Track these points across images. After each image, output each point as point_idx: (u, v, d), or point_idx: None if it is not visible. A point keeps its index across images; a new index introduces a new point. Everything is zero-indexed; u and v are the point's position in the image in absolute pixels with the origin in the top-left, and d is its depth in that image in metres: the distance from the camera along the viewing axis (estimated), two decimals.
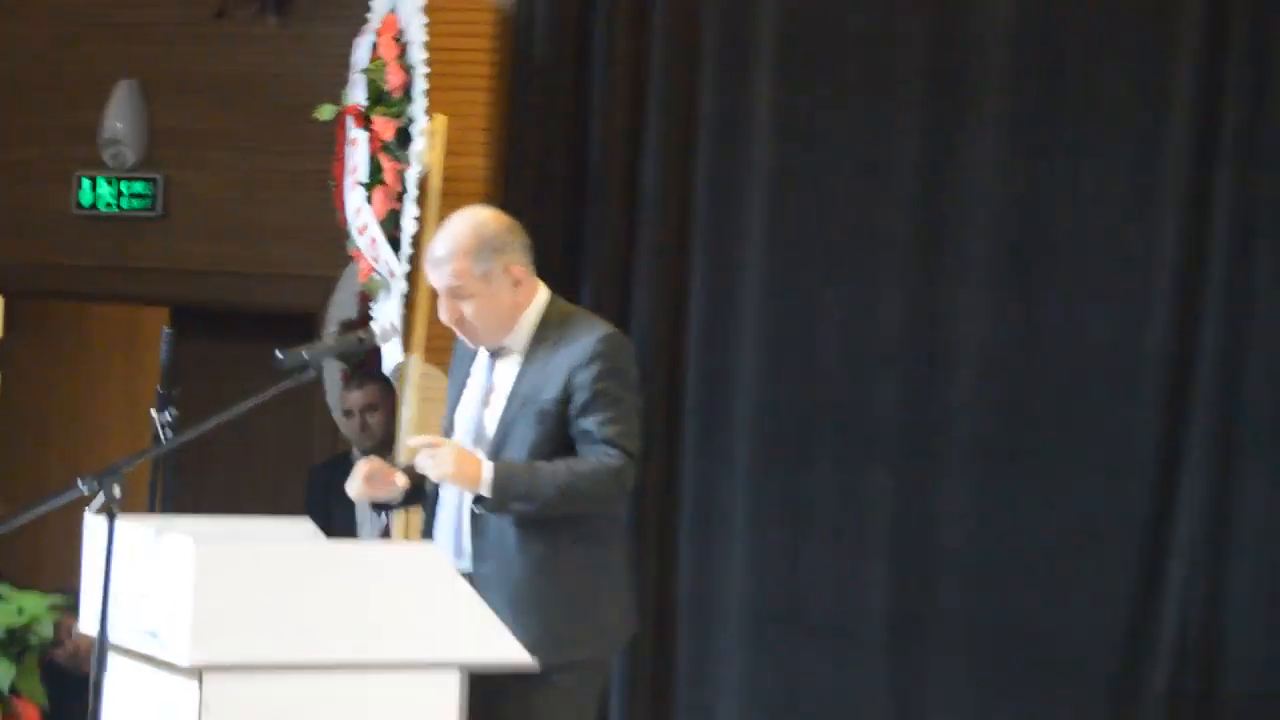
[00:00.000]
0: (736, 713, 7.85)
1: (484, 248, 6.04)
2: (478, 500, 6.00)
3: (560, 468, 5.89)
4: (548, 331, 6.09)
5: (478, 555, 6.03)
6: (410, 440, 6.13)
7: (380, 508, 7.63)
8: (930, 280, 7.73)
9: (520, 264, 6.07)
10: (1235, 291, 7.42)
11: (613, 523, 6.14)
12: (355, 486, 6.07)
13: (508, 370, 6.13)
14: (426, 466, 5.99)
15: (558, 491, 5.88)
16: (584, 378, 5.94)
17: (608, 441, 5.90)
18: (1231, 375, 7.43)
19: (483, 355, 6.21)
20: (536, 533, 6.00)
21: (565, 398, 5.96)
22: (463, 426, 6.18)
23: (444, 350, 7.68)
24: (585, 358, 5.97)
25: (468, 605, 5.74)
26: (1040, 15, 7.62)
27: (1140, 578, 7.52)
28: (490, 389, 6.16)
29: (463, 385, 6.26)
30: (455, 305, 6.06)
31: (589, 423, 5.92)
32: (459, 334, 6.15)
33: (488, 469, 5.92)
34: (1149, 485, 7.51)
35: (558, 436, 5.98)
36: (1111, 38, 7.57)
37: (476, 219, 6.17)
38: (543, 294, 6.17)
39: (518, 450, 5.99)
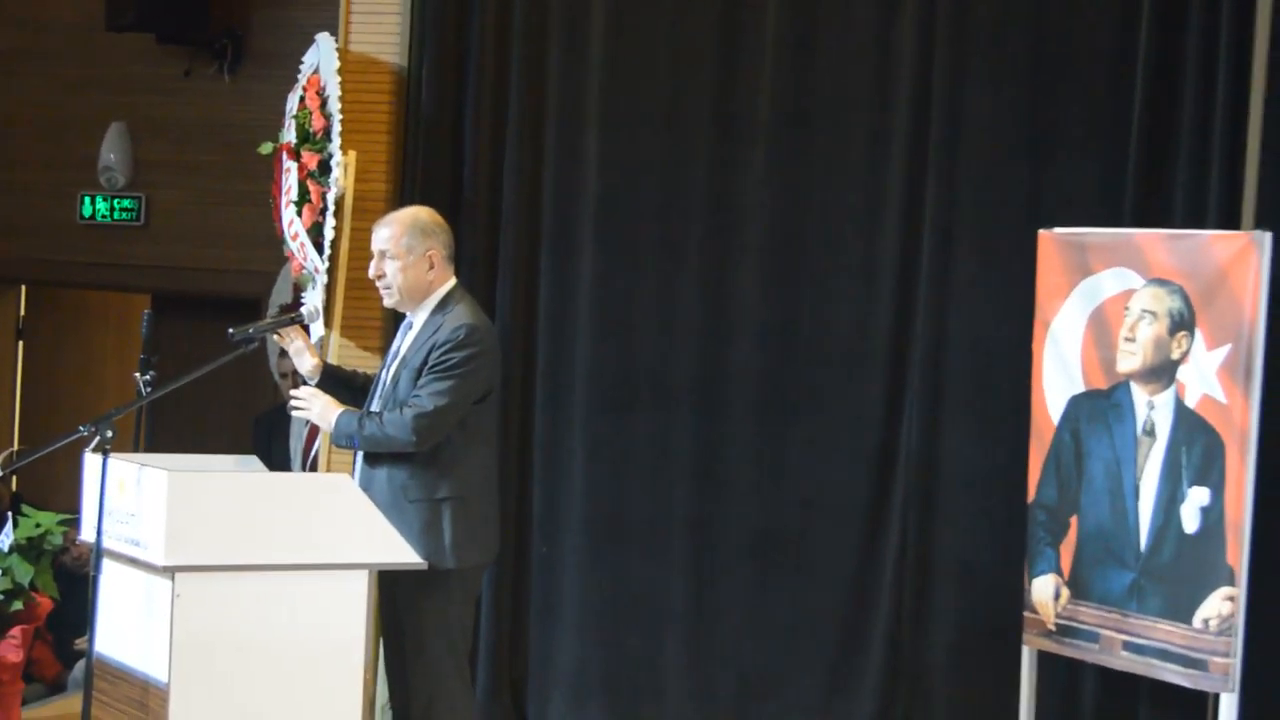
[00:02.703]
0: (579, 603, 7.84)
1: (415, 229, 6.17)
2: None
3: (378, 418, 5.99)
4: (440, 313, 6.14)
5: (362, 483, 6.07)
6: (293, 392, 6.22)
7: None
8: (719, 273, 7.73)
9: (438, 253, 6.17)
10: (940, 287, 7.46)
11: (459, 466, 6.09)
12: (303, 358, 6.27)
13: (409, 339, 6.18)
14: (298, 409, 6.13)
15: (368, 434, 5.99)
16: (436, 352, 6.00)
17: (418, 398, 5.96)
18: (938, 348, 7.45)
19: (404, 328, 6.26)
20: (392, 469, 6.05)
21: (425, 364, 6.02)
22: (380, 379, 6.27)
23: (355, 329, 7.77)
24: (444, 339, 6.02)
25: (373, 521, 5.77)
26: (795, 79, 7.64)
27: (872, 498, 7.55)
28: (397, 352, 6.22)
29: (391, 349, 6.33)
30: (381, 264, 6.18)
31: (421, 384, 5.99)
32: (380, 289, 6.22)
33: (334, 416, 6.03)
34: (878, 430, 7.53)
35: None
36: (847, 95, 7.60)
37: (419, 210, 6.34)
38: (450, 282, 6.23)
39: (401, 396, 6.05)
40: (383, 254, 6.17)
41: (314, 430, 7.94)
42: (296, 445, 8.11)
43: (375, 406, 6.17)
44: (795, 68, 7.65)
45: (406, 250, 6.13)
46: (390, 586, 6.03)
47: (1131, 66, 7.16)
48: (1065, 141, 7.32)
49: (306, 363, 6.27)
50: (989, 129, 7.40)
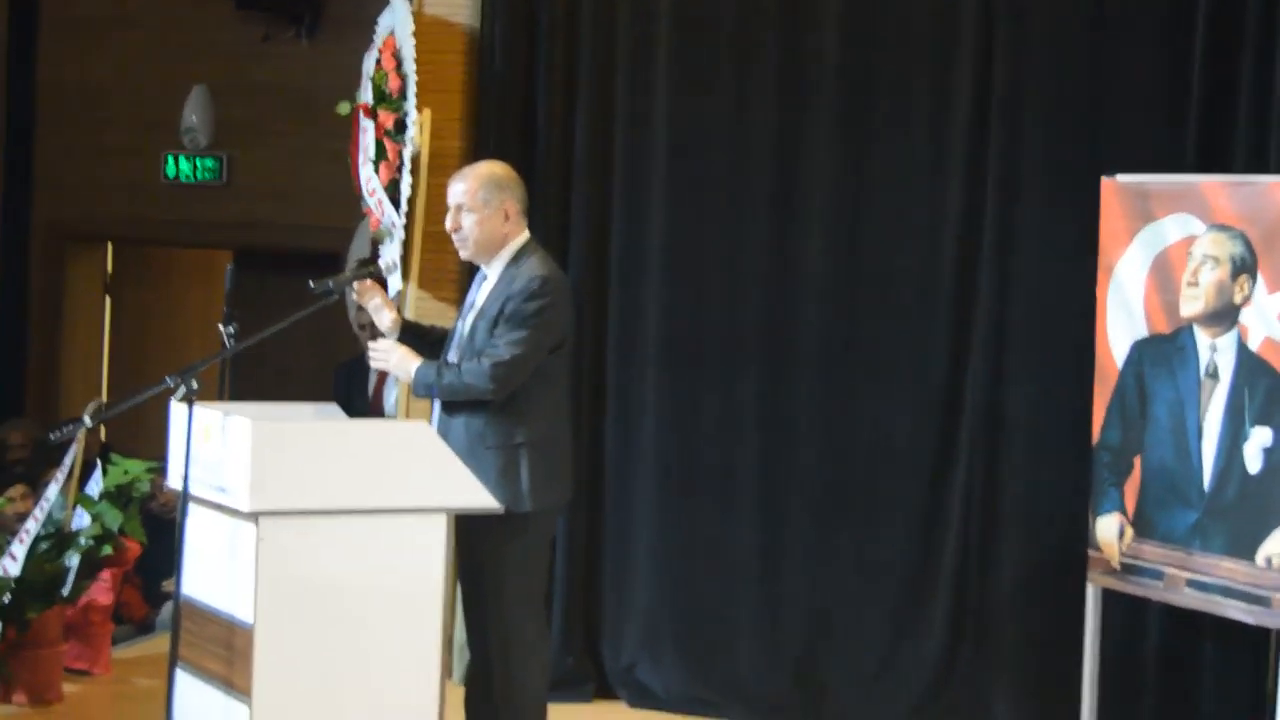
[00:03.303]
0: (651, 549, 7.79)
1: (491, 182, 6.08)
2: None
3: (456, 368, 5.93)
4: (515, 266, 6.07)
5: (439, 430, 6.01)
6: (371, 344, 6.15)
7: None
8: (782, 230, 7.64)
9: (513, 206, 6.10)
10: (1003, 238, 7.36)
11: (534, 411, 6.01)
12: (381, 314, 6.18)
13: (485, 290, 6.11)
14: (376, 360, 6.07)
15: (446, 383, 5.92)
16: (512, 303, 5.93)
17: (495, 347, 5.89)
18: (1002, 295, 7.36)
19: (479, 280, 6.19)
20: (468, 415, 5.98)
21: (500, 314, 5.96)
22: (457, 330, 6.21)
23: (432, 282, 7.72)
24: (519, 289, 5.96)
25: (450, 465, 5.71)
26: (859, 36, 7.54)
27: (938, 444, 7.46)
28: (473, 304, 6.15)
29: (466, 302, 6.24)
30: (458, 217, 6.10)
31: (497, 334, 5.91)
32: (456, 244, 6.14)
33: (414, 366, 5.97)
34: (944, 376, 7.44)
35: None
36: (910, 51, 7.50)
37: (493, 165, 6.26)
38: (524, 236, 6.16)
39: (478, 348, 5.98)
40: (459, 207, 6.10)
41: (380, 381, 7.91)
42: (389, 391, 8.06)
43: (453, 357, 6.11)
44: (859, 25, 7.57)
45: (483, 203, 6.07)
46: (470, 529, 5.97)
47: (1192, 13, 7.03)
48: (1127, 90, 7.21)
49: (385, 318, 6.20)
50: (1051, 79, 7.30)
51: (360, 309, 8.95)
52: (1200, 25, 7.00)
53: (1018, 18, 7.32)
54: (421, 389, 6.02)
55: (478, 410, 5.96)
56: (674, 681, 7.68)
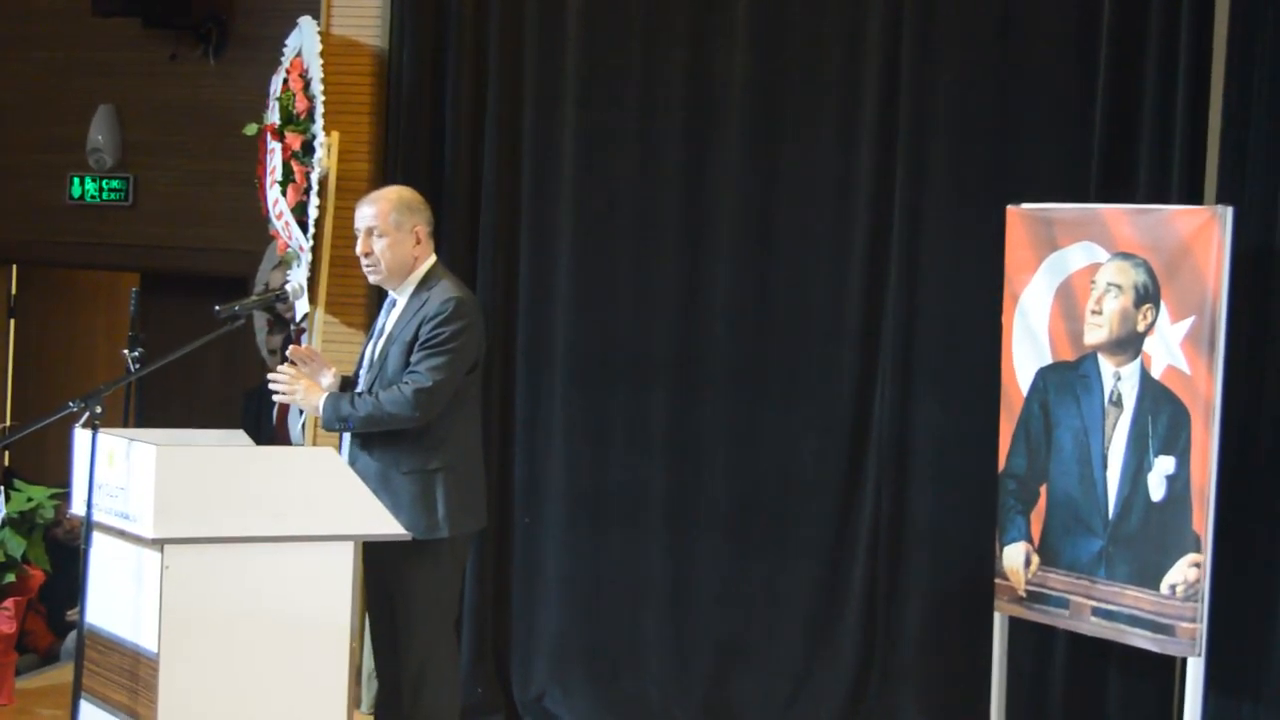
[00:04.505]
0: (560, 574, 7.82)
1: (402, 205, 6.16)
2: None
3: (372, 398, 5.95)
4: (424, 289, 6.14)
5: (351, 456, 6.05)
6: (271, 376, 6.13)
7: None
8: (690, 253, 7.69)
9: (423, 229, 6.18)
10: (910, 264, 7.42)
11: (448, 437, 6.06)
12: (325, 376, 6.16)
13: (394, 315, 6.14)
14: (279, 392, 6.06)
15: (365, 415, 5.94)
16: (427, 327, 5.97)
17: (415, 373, 5.92)
18: (909, 322, 7.42)
19: (387, 306, 6.21)
20: (383, 441, 5.99)
21: (415, 338, 5.99)
22: (366, 355, 6.25)
23: (340, 306, 7.72)
24: (432, 312, 6.01)
25: (357, 493, 5.73)
26: (766, 60, 7.59)
27: (846, 470, 7.51)
28: (383, 329, 6.18)
29: (374, 327, 6.28)
30: (369, 241, 6.15)
31: (414, 359, 5.96)
32: (365, 269, 6.19)
33: (322, 399, 5.97)
34: (851, 404, 7.50)
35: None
36: (817, 76, 7.56)
37: (402, 189, 6.33)
38: (432, 258, 6.24)
39: (390, 373, 6.02)
40: (370, 230, 6.13)
41: (283, 413, 7.89)
42: (294, 420, 8.03)
43: (363, 385, 6.12)
44: (766, 49, 7.61)
45: (395, 226, 6.11)
46: (379, 557, 5.99)
47: (1095, 44, 7.12)
48: (1030, 119, 7.28)
49: (326, 378, 6.17)
50: (956, 108, 7.37)
51: (269, 333, 8.99)
52: (1103, 57, 7.08)
53: (923, 46, 7.38)
54: (335, 422, 6.01)
55: (391, 436, 5.99)
56: (583, 712, 7.69)
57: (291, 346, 6.25)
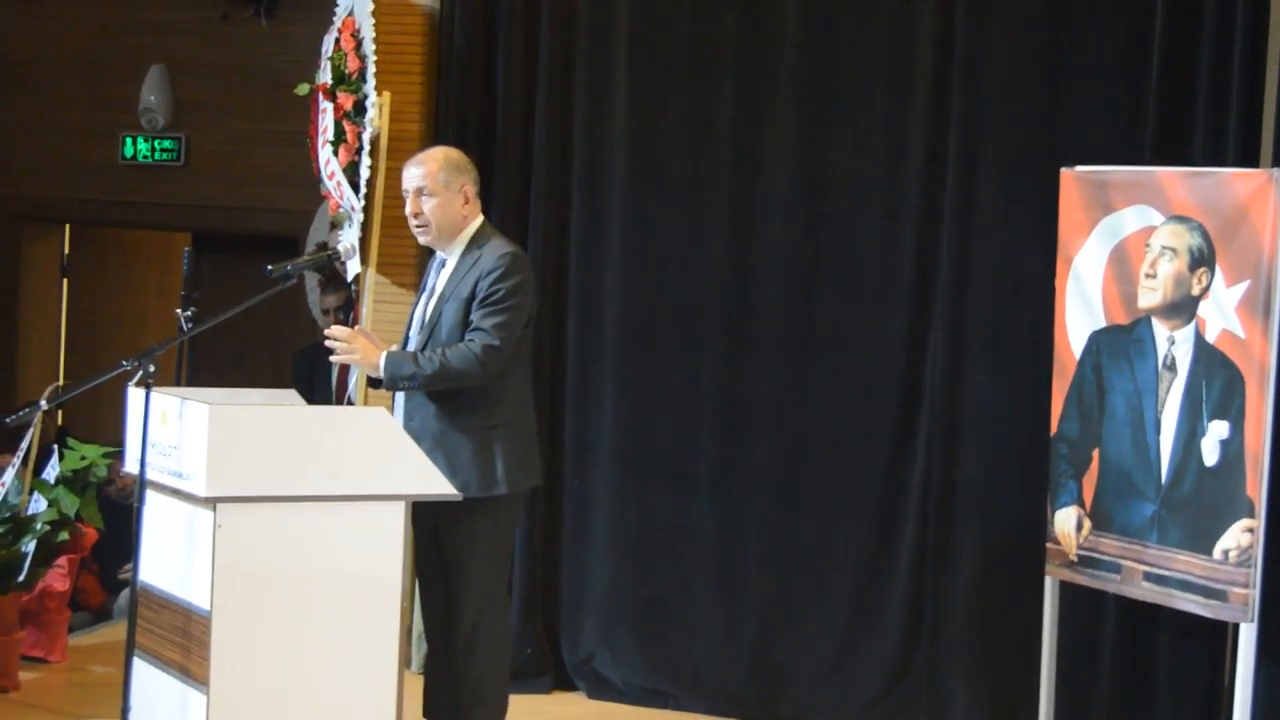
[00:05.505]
0: (609, 533, 7.85)
1: (450, 165, 6.18)
2: (375, 383, 6.08)
3: (437, 354, 5.95)
4: (475, 247, 6.16)
5: (407, 415, 6.08)
6: (330, 330, 6.16)
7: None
8: (742, 217, 7.69)
9: (471, 189, 6.20)
10: (963, 229, 7.41)
11: (504, 394, 6.09)
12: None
13: (445, 275, 6.17)
14: (338, 353, 6.07)
15: (432, 373, 5.94)
16: (485, 283, 6.00)
17: (480, 331, 5.94)
18: (961, 286, 7.40)
19: (436, 265, 6.24)
20: (441, 399, 6.02)
21: (472, 296, 6.02)
22: (417, 315, 6.27)
23: (391, 265, 7.76)
24: (489, 268, 6.03)
25: (408, 452, 5.77)
26: (820, 21, 7.60)
27: (897, 433, 7.51)
28: (434, 289, 6.21)
29: (423, 287, 6.29)
30: (418, 201, 6.17)
31: (476, 316, 5.99)
32: (415, 229, 6.22)
33: (382, 357, 5.99)
34: (902, 366, 7.49)
35: (468, 324, 6.04)
36: (871, 37, 7.55)
37: (449, 149, 6.35)
38: (480, 218, 6.26)
39: (445, 332, 6.05)
40: (419, 190, 6.16)
41: (344, 373, 7.93)
42: (353, 380, 8.09)
43: (415, 343, 6.15)
44: (819, 12, 7.61)
45: (444, 186, 6.15)
46: (432, 516, 6.03)
47: (1150, 5, 7.09)
48: (1086, 81, 7.25)
49: (375, 354, 6.17)
50: (1009, 70, 7.35)
51: (323, 293, 9.04)
52: (1159, 17, 7.05)
53: (977, 8, 7.36)
54: (399, 381, 6.01)
55: (446, 395, 6.02)
56: (632, 673, 7.75)
57: (328, 329, 6.25)
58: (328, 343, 6.15)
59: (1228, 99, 6.93)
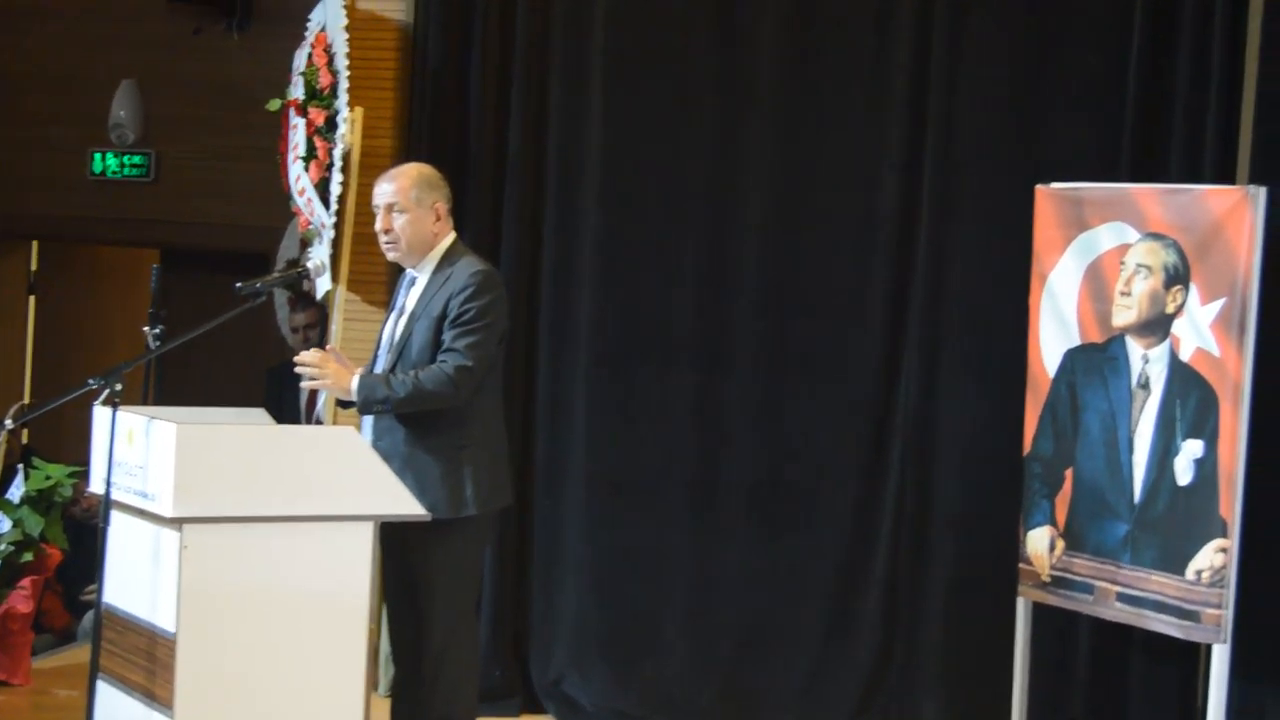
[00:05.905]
0: (580, 556, 7.81)
1: (422, 182, 6.17)
2: (345, 404, 6.07)
3: (410, 376, 5.93)
4: (446, 265, 6.14)
5: (376, 435, 6.05)
6: (300, 356, 6.12)
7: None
8: (717, 233, 7.69)
9: (443, 206, 6.18)
10: (937, 244, 7.42)
11: (475, 414, 6.07)
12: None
13: (416, 293, 6.14)
14: (308, 378, 6.04)
15: (405, 395, 5.91)
16: (456, 302, 5.97)
17: (453, 352, 5.92)
18: (935, 302, 7.41)
19: (406, 284, 6.22)
20: (410, 419, 6.00)
21: (444, 315, 5.99)
22: (386, 334, 6.25)
23: (362, 282, 7.74)
24: (460, 287, 6.01)
25: (377, 472, 5.74)
26: (796, 40, 7.60)
27: (870, 452, 7.51)
28: (404, 307, 6.19)
29: (393, 305, 6.27)
30: (389, 218, 6.15)
31: (448, 336, 5.97)
32: (385, 246, 6.20)
33: (354, 380, 5.97)
34: (876, 384, 7.50)
35: (440, 344, 6.00)
36: (847, 55, 7.55)
37: (421, 165, 6.33)
38: (451, 235, 6.24)
39: (415, 352, 6.02)
40: (390, 207, 6.14)
41: (313, 392, 7.91)
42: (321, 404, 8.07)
43: (384, 363, 6.13)
44: (796, 27, 7.61)
45: (416, 202, 6.13)
46: (400, 537, 5.99)
47: (1128, 22, 7.11)
48: (1062, 98, 7.28)
49: (346, 378, 6.15)
50: (986, 87, 7.37)
51: (291, 311, 9.00)
52: (1136, 34, 7.07)
53: (954, 24, 7.37)
54: (373, 405, 5.99)
55: (418, 414, 5.99)
56: (601, 696, 7.70)
57: (299, 354, 6.21)
58: (297, 369, 6.11)
59: (1204, 116, 6.96)
